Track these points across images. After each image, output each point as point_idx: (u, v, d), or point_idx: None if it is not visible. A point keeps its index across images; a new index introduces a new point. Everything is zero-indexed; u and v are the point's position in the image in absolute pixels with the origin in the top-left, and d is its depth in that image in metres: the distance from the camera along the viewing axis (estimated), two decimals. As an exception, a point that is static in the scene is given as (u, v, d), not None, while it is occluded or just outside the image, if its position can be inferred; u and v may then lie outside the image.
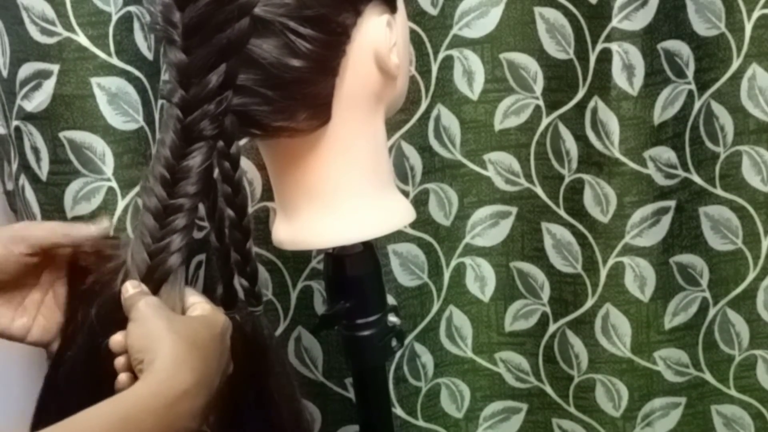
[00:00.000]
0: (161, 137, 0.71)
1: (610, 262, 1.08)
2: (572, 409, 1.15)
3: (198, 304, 0.73)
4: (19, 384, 1.07)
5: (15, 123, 0.93)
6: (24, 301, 0.76)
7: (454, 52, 1.07)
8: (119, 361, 0.68)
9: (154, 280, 0.71)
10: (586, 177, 1.06)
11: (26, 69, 0.91)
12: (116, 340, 0.68)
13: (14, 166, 0.98)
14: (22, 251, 0.71)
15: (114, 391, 0.66)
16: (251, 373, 0.79)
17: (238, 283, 0.77)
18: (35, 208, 0.95)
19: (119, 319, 0.69)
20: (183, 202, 0.71)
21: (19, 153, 0.95)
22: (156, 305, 0.68)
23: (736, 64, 1.05)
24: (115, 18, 0.92)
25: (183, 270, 0.73)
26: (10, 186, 1.04)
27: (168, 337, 0.65)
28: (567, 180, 1.08)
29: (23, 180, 0.96)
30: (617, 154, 1.03)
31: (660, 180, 1.06)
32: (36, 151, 0.93)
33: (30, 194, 0.95)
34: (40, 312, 0.77)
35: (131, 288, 0.70)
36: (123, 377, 0.67)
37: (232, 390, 0.76)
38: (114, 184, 0.95)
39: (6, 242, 0.71)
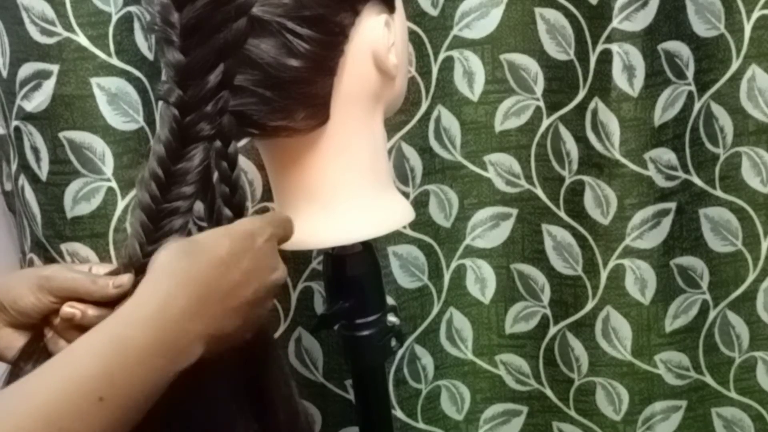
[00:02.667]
0: (158, 135, 0.71)
1: (611, 264, 1.08)
2: (572, 413, 1.15)
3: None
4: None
5: (15, 123, 0.94)
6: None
7: (455, 53, 1.07)
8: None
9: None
10: (586, 179, 1.06)
11: (26, 69, 0.91)
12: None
13: (13, 167, 0.98)
14: (50, 300, 0.71)
15: None
16: (247, 374, 0.79)
17: None
18: (35, 209, 0.96)
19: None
20: (179, 204, 0.70)
21: (18, 153, 0.95)
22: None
23: (735, 65, 1.05)
24: (115, 18, 0.92)
25: None
26: (8, 187, 1.04)
27: (162, 250, 0.64)
28: (567, 181, 1.08)
29: (23, 180, 0.96)
30: (618, 156, 1.03)
31: (660, 182, 1.05)
32: (36, 151, 0.94)
33: (29, 194, 0.96)
34: None
35: None
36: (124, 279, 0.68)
37: (227, 391, 0.76)
38: (114, 184, 0.95)
39: (33, 290, 0.71)
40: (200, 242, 0.66)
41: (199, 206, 0.75)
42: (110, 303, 0.70)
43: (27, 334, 0.73)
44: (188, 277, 0.62)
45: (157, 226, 0.71)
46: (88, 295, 0.71)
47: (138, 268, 0.70)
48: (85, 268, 0.74)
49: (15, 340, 0.72)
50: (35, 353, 0.72)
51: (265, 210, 1.06)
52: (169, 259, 0.64)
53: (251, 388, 0.79)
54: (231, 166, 0.73)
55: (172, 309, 0.60)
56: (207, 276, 0.64)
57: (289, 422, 0.80)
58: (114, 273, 0.72)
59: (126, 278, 0.70)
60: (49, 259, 0.98)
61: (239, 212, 0.74)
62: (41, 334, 0.73)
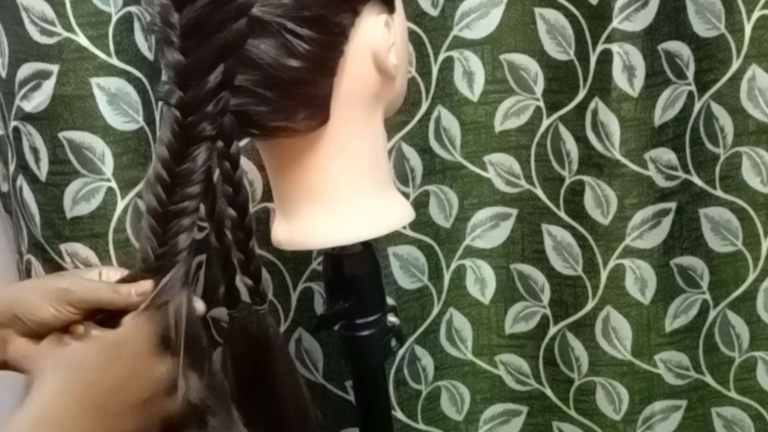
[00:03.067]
0: (160, 137, 0.71)
1: (611, 264, 1.08)
2: (572, 412, 1.15)
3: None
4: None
5: (13, 123, 0.94)
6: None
7: (455, 53, 1.07)
8: None
9: (159, 280, 0.71)
10: (586, 179, 1.06)
11: (25, 69, 0.91)
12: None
13: (11, 167, 0.98)
14: (70, 311, 0.72)
15: None
16: (256, 372, 0.79)
17: (242, 282, 0.77)
18: (33, 209, 0.95)
19: None
20: (186, 205, 0.71)
21: (17, 154, 0.95)
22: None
23: (735, 65, 1.05)
24: (114, 18, 0.92)
25: (189, 270, 0.73)
26: (5, 188, 1.03)
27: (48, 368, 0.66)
28: (567, 182, 1.08)
29: (21, 181, 0.96)
30: (618, 156, 1.03)
31: (660, 182, 1.05)
32: (35, 151, 0.93)
33: (28, 195, 0.95)
34: None
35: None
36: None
37: (237, 390, 0.76)
38: (113, 184, 0.95)
39: (52, 302, 0.71)
40: (79, 357, 0.67)
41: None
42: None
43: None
44: (65, 390, 0.64)
45: (165, 228, 0.71)
46: (111, 306, 0.71)
47: (154, 271, 0.71)
48: (95, 274, 0.74)
49: (30, 350, 0.73)
50: None
51: (265, 210, 1.06)
52: (53, 374, 0.65)
53: (260, 386, 0.79)
54: (233, 166, 0.73)
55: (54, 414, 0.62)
56: (81, 388, 0.65)
57: (299, 419, 0.81)
58: (128, 279, 0.72)
59: (148, 284, 0.71)
60: (47, 260, 0.97)
61: (243, 212, 0.74)
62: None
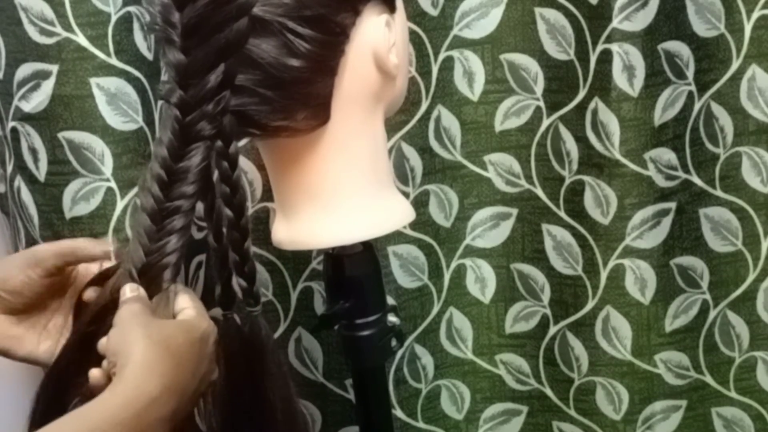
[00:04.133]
0: (159, 136, 0.71)
1: (611, 264, 1.08)
2: (572, 412, 1.15)
3: (185, 309, 0.73)
4: (10, 401, 1.05)
5: (11, 124, 0.93)
6: (48, 326, 0.78)
7: (455, 53, 1.07)
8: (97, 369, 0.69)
9: (149, 280, 0.71)
10: (586, 178, 1.06)
11: (24, 69, 0.91)
12: (102, 343, 0.69)
13: (9, 168, 0.97)
14: (39, 274, 0.72)
15: None
16: (247, 374, 0.79)
17: (237, 283, 0.77)
18: (32, 210, 0.95)
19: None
20: (180, 204, 0.71)
21: (15, 154, 0.95)
22: (135, 310, 0.68)
23: (735, 65, 1.05)
24: (114, 18, 0.92)
25: (178, 271, 0.73)
26: (2, 189, 1.03)
27: (140, 342, 0.64)
28: (567, 181, 1.08)
29: (19, 181, 0.96)
30: (618, 156, 1.03)
31: (660, 181, 1.05)
32: (34, 151, 0.93)
33: (26, 196, 0.95)
34: (63, 335, 0.78)
35: (128, 292, 0.70)
36: (95, 372, 0.68)
37: (227, 391, 0.76)
38: (113, 184, 0.94)
39: (22, 267, 0.72)
40: (177, 341, 0.67)
41: (198, 206, 0.75)
42: None
43: (20, 320, 0.75)
44: (173, 383, 0.65)
45: (159, 225, 0.71)
46: (73, 256, 0.75)
47: (141, 270, 0.71)
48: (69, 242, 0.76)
49: (8, 329, 0.74)
50: None
51: (265, 210, 1.06)
52: (154, 356, 0.65)
53: (250, 387, 0.79)
54: (232, 166, 0.73)
55: (152, 413, 0.62)
56: (185, 383, 0.66)
57: (287, 423, 0.81)
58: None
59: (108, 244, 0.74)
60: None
61: (240, 212, 0.74)
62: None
